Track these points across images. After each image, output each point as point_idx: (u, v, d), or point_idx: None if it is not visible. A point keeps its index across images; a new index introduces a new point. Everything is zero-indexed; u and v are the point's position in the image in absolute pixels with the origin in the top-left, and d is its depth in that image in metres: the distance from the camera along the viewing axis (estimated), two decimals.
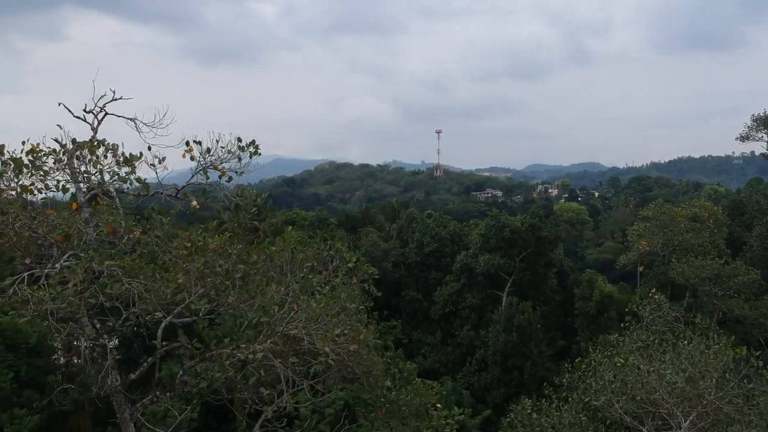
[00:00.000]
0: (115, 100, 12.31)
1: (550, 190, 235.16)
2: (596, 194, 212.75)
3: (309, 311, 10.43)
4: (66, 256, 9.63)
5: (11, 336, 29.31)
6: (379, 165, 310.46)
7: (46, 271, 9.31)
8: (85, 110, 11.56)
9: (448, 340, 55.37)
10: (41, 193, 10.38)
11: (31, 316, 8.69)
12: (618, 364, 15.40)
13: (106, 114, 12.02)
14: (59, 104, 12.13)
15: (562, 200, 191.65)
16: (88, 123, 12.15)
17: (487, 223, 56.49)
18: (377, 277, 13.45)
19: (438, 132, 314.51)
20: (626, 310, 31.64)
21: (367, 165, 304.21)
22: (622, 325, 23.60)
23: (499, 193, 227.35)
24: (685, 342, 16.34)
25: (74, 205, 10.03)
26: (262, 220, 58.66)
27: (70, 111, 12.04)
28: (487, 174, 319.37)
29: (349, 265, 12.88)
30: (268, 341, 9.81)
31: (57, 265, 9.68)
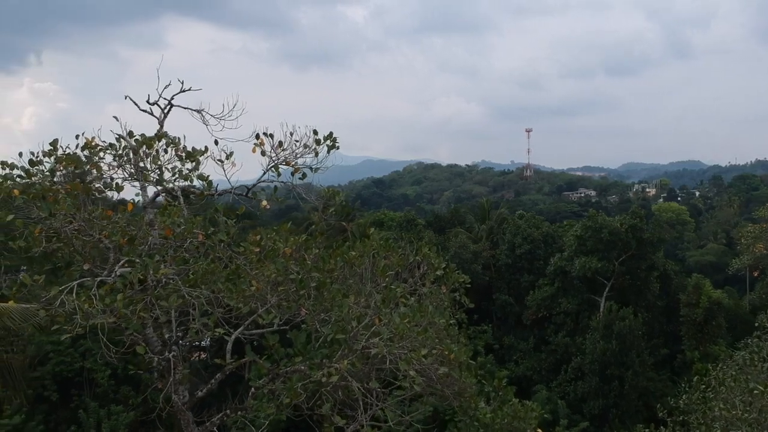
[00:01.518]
0: (184, 91, 11.30)
1: (647, 190, 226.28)
2: (697, 194, 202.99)
3: (392, 327, 9.01)
4: (121, 263, 8.59)
5: (108, 334, 29.72)
6: (467, 165, 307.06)
7: (98, 279, 8.27)
8: (149, 101, 10.57)
9: (542, 346, 53.03)
10: (100, 194, 9.42)
11: (75, 334, 7.63)
12: (755, 392, 13.19)
13: (172, 106, 11.02)
14: (126, 97, 11.26)
15: (661, 200, 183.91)
16: (155, 117, 11.19)
17: (584, 224, 53.73)
18: (468, 285, 11.91)
19: (528, 131, 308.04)
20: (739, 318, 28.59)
21: (455, 165, 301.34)
22: (750, 340, 20.99)
23: (593, 193, 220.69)
24: None
25: (129, 206, 8.97)
26: (351, 220, 57.93)
27: (136, 104, 11.10)
28: (579, 173, 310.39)
29: (438, 272, 11.38)
30: (345, 362, 8.46)
31: (113, 273, 8.67)
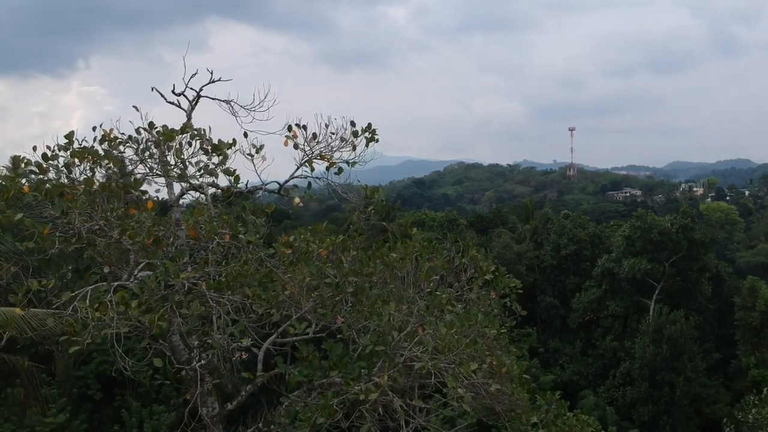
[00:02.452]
0: (213, 81, 10.55)
1: (694, 189, 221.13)
2: (746, 193, 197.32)
3: (437, 338, 8.09)
4: (140, 266, 7.85)
5: (133, 342, 29.72)
6: (509, 165, 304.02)
7: (115, 284, 7.53)
8: (174, 91, 9.82)
9: (589, 350, 51.53)
10: (125, 191, 8.66)
11: (86, 345, 6.89)
12: None
13: (200, 97, 10.26)
14: (152, 89, 10.54)
15: (708, 200, 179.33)
16: (183, 109, 10.46)
17: (632, 224, 52.05)
18: (520, 291, 10.91)
19: (571, 130, 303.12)
20: None
21: (496, 165, 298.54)
22: None
23: (638, 193, 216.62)
24: None
25: (150, 204, 8.21)
26: (391, 221, 57.10)
27: (162, 96, 10.36)
28: (624, 173, 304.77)
29: (487, 276, 10.41)
30: (386, 376, 7.57)
31: (132, 278, 7.93)
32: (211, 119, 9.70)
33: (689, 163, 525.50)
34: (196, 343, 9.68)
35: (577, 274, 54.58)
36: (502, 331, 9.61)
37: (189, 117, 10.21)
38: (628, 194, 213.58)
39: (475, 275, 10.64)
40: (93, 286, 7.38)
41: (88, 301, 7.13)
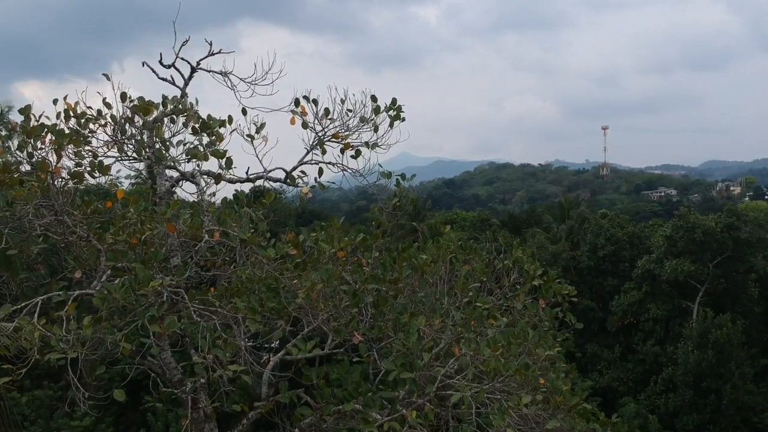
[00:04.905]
0: (213, 54, 9.01)
1: (732, 188, 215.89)
2: None
3: (478, 361, 6.43)
4: (103, 273, 6.30)
5: (175, 335, 29.54)
6: (540, 165, 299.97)
7: (75, 293, 5.99)
8: (162, 62, 8.26)
9: (629, 355, 49.22)
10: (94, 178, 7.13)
11: (22, 374, 5.34)
12: None
13: (195, 70, 8.71)
14: (143, 64, 9.01)
15: (746, 199, 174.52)
16: (178, 87, 8.91)
17: (674, 224, 49.64)
18: (574, 299, 9.19)
19: (605, 128, 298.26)
20: None
21: (528, 165, 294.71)
22: None
23: (674, 192, 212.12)
24: None
25: (119, 193, 6.64)
26: (422, 221, 55.44)
27: (154, 71, 8.84)
28: (658, 172, 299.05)
29: (534, 282, 8.68)
30: (414, 413, 5.92)
31: (99, 285, 6.38)
32: (221, 113, 8.22)
33: (725, 162, 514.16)
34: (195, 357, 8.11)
35: (616, 276, 52.24)
36: (557, 348, 7.87)
37: (183, 94, 8.66)
38: (663, 194, 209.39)
39: (519, 280, 8.93)
40: (43, 297, 5.82)
41: (36, 317, 5.60)
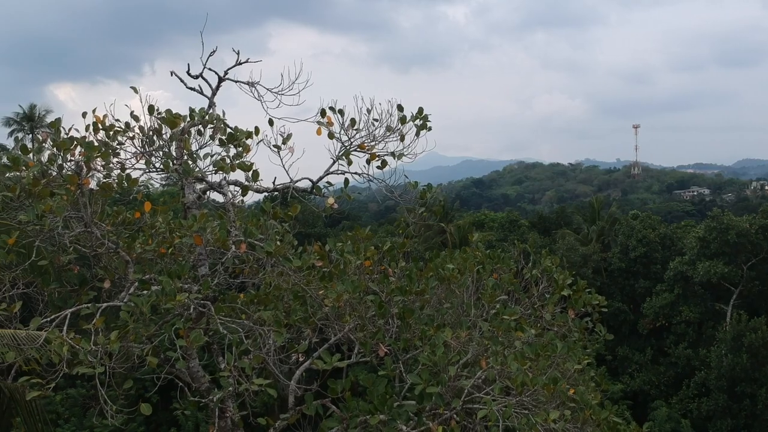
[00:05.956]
0: (240, 63, 9.05)
1: (767, 187, 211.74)
2: None
3: (505, 374, 6.36)
4: (132, 285, 6.34)
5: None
6: (570, 164, 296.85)
7: (103, 306, 6.04)
8: (189, 72, 8.32)
9: (660, 358, 48.54)
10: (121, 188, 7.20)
11: (51, 388, 5.40)
12: None
13: (222, 80, 8.75)
14: (171, 74, 9.10)
15: None
16: (206, 96, 8.97)
17: (707, 225, 48.83)
18: (604, 309, 9.05)
19: (636, 127, 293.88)
20: None
21: (557, 164, 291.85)
22: None
23: (706, 191, 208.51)
24: None
25: (147, 206, 6.68)
26: (449, 221, 55.24)
27: (181, 80, 8.91)
28: (691, 171, 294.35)
29: (564, 292, 8.57)
30: (440, 428, 5.87)
31: (127, 297, 6.43)
32: (250, 119, 8.26)
33: (759, 161, 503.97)
34: (223, 365, 8.15)
35: (648, 278, 51.50)
36: (587, 360, 7.76)
37: (211, 104, 8.71)
38: (695, 193, 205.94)
39: (548, 289, 8.82)
40: (72, 309, 5.89)
41: (65, 330, 5.67)
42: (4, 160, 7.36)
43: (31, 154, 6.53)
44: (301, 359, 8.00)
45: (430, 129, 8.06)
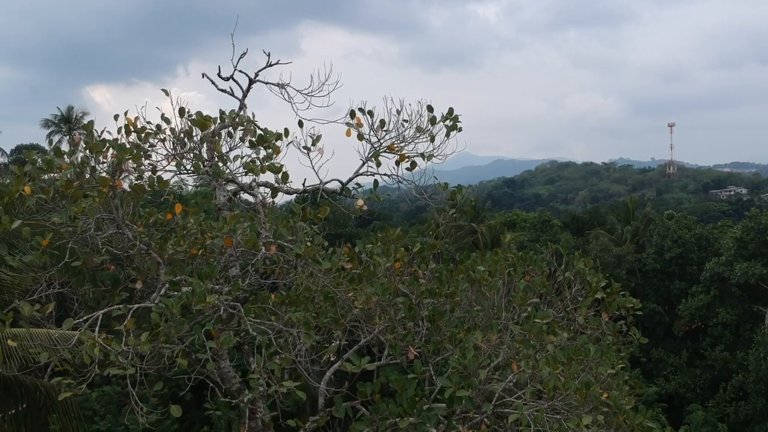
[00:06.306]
0: (271, 65, 9.08)
1: None
2: None
3: (537, 378, 6.27)
4: (164, 286, 6.39)
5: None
6: (603, 163, 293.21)
7: (134, 307, 6.10)
8: (220, 75, 8.38)
9: (696, 361, 47.73)
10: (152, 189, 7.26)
11: (84, 389, 5.45)
12: None
13: (253, 82, 8.79)
14: (203, 76, 9.19)
15: None
16: (237, 98, 9.03)
17: (744, 225, 47.87)
18: (639, 312, 8.89)
19: (670, 126, 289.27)
20: None
21: (590, 164, 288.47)
22: None
23: (744, 191, 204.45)
24: None
25: (178, 207, 6.73)
26: (481, 221, 54.95)
27: (213, 82, 8.99)
28: (727, 170, 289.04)
29: (597, 296, 8.43)
30: None
31: (156, 300, 6.48)
32: (280, 120, 8.29)
33: None
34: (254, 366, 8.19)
35: (683, 279, 50.69)
36: (621, 365, 7.63)
37: (242, 106, 8.76)
38: (732, 193, 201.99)
39: (581, 292, 8.69)
40: (104, 310, 5.95)
41: (97, 330, 5.73)
42: (39, 162, 7.49)
43: (65, 157, 6.61)
44: (332, 359, 8.01)
45: (460, 130, 8.00)
